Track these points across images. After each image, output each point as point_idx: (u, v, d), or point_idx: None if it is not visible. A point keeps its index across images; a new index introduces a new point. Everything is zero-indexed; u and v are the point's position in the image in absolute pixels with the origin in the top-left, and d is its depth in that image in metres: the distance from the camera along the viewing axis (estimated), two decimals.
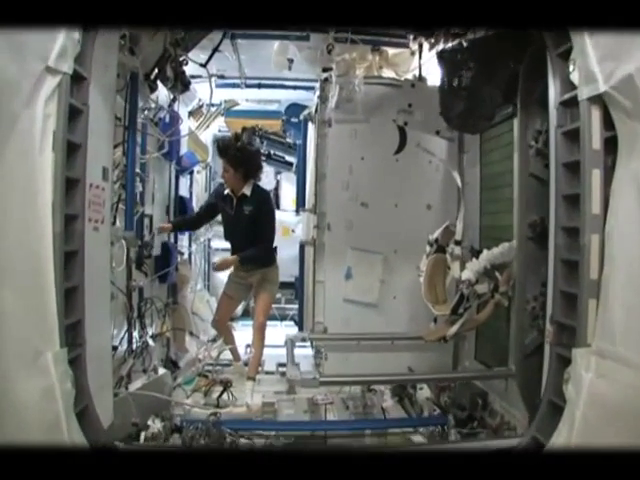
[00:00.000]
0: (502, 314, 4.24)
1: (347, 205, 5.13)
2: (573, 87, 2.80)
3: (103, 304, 3.23)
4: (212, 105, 7.18)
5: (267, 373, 6.15)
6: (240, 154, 5.30)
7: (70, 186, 2.72)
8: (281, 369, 6.05)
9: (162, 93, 4.96)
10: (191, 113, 7.08)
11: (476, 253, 4.23)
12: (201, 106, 7.06)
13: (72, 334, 2.74)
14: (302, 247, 5.81)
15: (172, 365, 5.88)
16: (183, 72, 4.77)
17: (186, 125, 6.59)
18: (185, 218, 5.85)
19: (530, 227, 3.30)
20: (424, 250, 4.83)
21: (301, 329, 5.71)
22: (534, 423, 3.04)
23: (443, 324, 4.45)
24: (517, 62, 3.23)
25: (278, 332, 7.69)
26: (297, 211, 5.95)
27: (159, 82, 4.64)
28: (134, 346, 4.62)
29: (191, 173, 6.93)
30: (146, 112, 4.61)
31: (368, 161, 5.14)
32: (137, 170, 3.93)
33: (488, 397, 4.44)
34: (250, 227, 5.35)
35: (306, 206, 5.66)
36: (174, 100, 4.92)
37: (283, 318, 8.35)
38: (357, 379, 4.49)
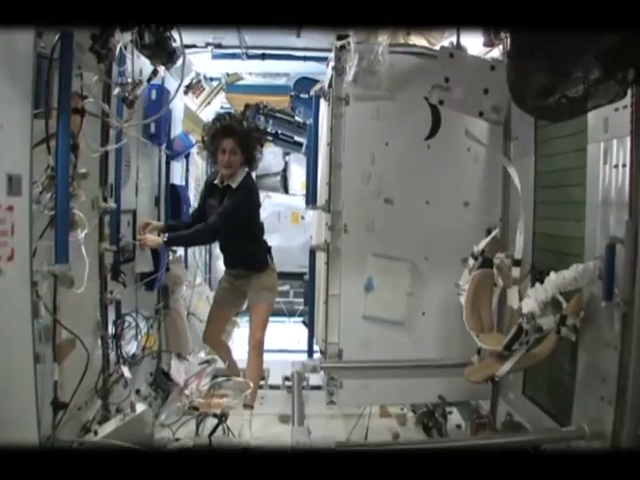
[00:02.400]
0: (565, 348, 3.16)
1: (367, 202, 3.99)
2: None
3: (24, 375, 2.11)
4: (212, 79, 6.08)
5: (272, 387, 5.20)
6: (250, 135, 4.41)
7: None
8: (288, 383, 5.03)
9: (146, 65, 3.86)
10: (189, 88, 5.94)
11: (538, 275, 3.08)
12: (199, 81, 5.91)
13: None
14: (312, 253, 4.65)
15: (165, 377, 4.87)
16: (166, 38, 3.57)
17: (180, 102, 5.48)
18: (178, 224, 4.72)
19: None
20: (460, 257, 3.80)
21: (311, 353, 4.58)
22: None
23: (490, 358, 3.36)
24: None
25: (286, 330, 6.76)
26: (307, 202, 4.76)
27: (134, 50, 3.50)
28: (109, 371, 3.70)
29: (187, 156, 5.78)
30: (118, 89, 3.51)
31: (394, 147, 3.98)
32: (83, 170, 2.68)
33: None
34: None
35: (317, 202, 4.47)
36: (155, 73, 3.74)
37: (291, 314, 7.27)
38: (388, 447, 3.33)
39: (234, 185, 4.35)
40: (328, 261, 4.02)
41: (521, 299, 3.13)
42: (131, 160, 4.16)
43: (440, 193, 4.04)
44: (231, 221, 4.29)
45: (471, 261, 3.51)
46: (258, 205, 4.68)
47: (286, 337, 6.36)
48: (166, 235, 4.26)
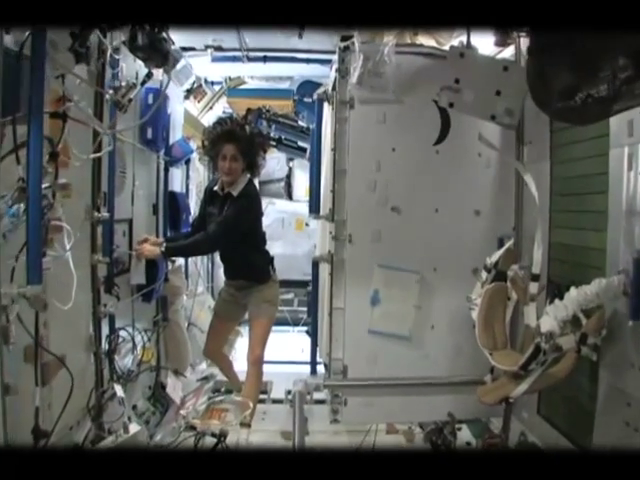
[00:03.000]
0: (583, 366, 2.93)
1: (373, 210, 3.79)
2: None
3: None
4: (212, 83, 5.88)
5: (274, 402, 4.95)
6: (253, 141, 4.19)
7: None
8: (291, 397, 4.79)
9: (143, 68, 3.58)
10: (190, 92, 5.72)
11: (557, 290, 2.84)
12: (200, 85, 5.70)
13: None
14: (315, 265, 4.41)
15: (164, 391, 4.64)
16: (160, 39, 3.35)
17: (181, 107, 5.28)
18: (178, 236, 4.49)
19: None
20: (471, 268, 3.66)
21: (314, 366, 4.34)
22: None
23: (504, 378, 3.11)
24: None
25: (290, 340, 6.52)
26: (310, 211, 4.53)
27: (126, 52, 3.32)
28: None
29: (187, 163, 5.55)
30: (110, 92, 3.30)
31: (401, 153, 3.78)
32: (63, 181, 2.42)
33: None
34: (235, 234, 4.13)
35: (321, 211, 4.25)
36: (149, 76, 3.51)
37: (296, 323, 7.03)
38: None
39: (235, 193, 4.12)
40: (332, 273, 3.82)
41: (538, 316, 2.90)
42: (127, 167, 3.94)
43: (450, 201, 3.84)
44: (231, 230, 4.07)
45: (484, 274, 3.29)
46: (260, 213, 4.45)
47: (290, 347, 6.13)
48: (164, 245, 4.03)
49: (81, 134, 3.00)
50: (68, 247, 2.65)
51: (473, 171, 3.86)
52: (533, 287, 2.97)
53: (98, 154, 3.05)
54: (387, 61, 3.56)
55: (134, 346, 3.95)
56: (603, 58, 1.99)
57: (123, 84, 3.44)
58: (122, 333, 3.76)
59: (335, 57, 3.84)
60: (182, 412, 3.74)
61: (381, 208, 3.78)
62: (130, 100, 3.40)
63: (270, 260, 4.43)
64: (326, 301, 4.05)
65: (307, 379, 3.77)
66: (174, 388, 4.16)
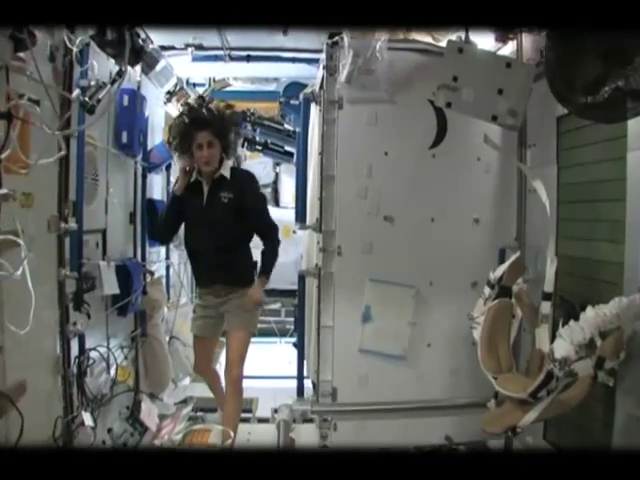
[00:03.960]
0: (597, 390, 2.63)
1: (364, 220, 3.59)
2: None
3: None
4: (195, 85, 5.61)
5: (260, 421, 4.62)
6: (223, 119, 3.82)
7: None
8: (277, 416, 4.47)
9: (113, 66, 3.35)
10: (171, 94, 5.40)
11: (571, 309, 2.53)
12: (182, 87, 5.38)
13: None
14: (302, 279, 4.08)
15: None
16: (131, 34, 3.04)
17: (161, 110, 5.01)
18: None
19: None
20: (470, 281, 3.51)
21: (301, 390, 4.02)
22: None
23: (510, 404, 2.82)
24: None
25: (277, 352, 6.22)
26: (296, 220, 4.20)
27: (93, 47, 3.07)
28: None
29: (168, 168, 5.22)
30: (77, 91, 2.99)
31: (394, 157, 3.58)
32: (4, 191, 2.07)
33: None
34: (232, 222, 3.72)
35: (307, 220, 4.03)
36: (120, 74, 3.18)
37: (283, 334, 6.73)
38: None
39: (227, 174, 3.75)
40: (320, 288, 3.58)
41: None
42: (99, 174, 3.65)
43: (447, 209, 3.66)
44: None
45: (487, 290, 2.98)
46: None
47: (277, 359, 5.82)
48: (263, 279, 3.84)
49: (40, 137, 2.67)
50: (22, 264, 2.32)
51: (472, 177, 3.67)
52: (545, 307, 2.67)
53: (49, 159, 2.69)
54: (379, 58, 3.36)
55: (108, 366, 3.63)
56: (636, 46, 1.68)
57: (92, 83, 3.12)
58: (93, 354, 3.43)
59: (323, 55, 3.61)
60: (157, 442, 3.39)
61: (373, 217, 3.59)
62: (99, 100, 3.07)
63: (255, 263, 4.05)
64: (314, 317, 3.81)
65: (292, 404, 3.48)
66: (149, 413, 3.79)
